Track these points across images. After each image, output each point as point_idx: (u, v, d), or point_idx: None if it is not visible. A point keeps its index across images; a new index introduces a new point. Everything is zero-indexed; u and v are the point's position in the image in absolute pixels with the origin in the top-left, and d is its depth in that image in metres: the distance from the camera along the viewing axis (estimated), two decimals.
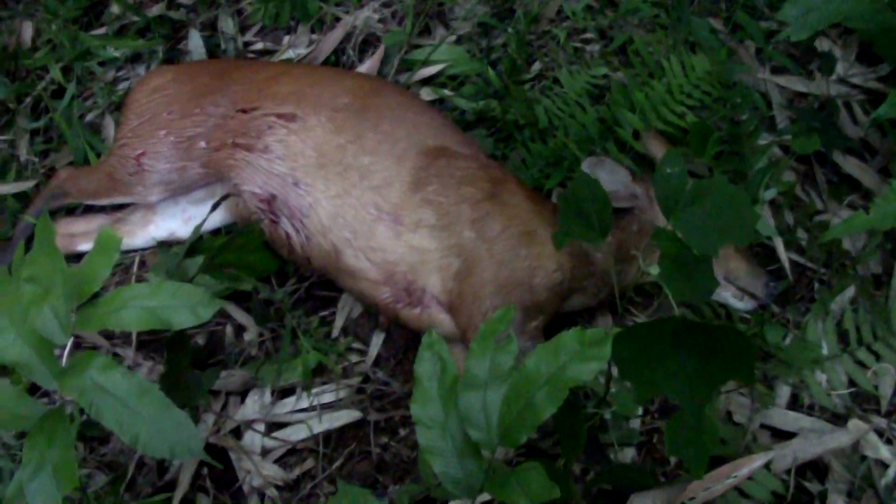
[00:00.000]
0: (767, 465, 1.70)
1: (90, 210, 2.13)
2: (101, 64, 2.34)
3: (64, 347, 1.32)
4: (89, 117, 2.26)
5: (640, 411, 1.54)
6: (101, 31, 2.40)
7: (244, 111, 1.94)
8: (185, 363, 1.65)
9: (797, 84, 2.24)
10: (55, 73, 2.31)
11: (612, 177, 1.86)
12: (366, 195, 1.84)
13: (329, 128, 1.88)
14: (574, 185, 1.30)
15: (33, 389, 1.83)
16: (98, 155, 2.21)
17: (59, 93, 2.31)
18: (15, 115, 2.26)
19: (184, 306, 1.26)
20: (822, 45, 2.31)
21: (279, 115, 1.91)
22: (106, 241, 1.30)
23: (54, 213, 2.11)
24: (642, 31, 2.28)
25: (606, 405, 1.48)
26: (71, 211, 2.14)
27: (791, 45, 2.31)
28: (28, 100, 2.30)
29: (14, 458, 1.74)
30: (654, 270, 1.16)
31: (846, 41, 2.31)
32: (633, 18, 2.28)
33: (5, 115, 2.28)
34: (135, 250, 2.08)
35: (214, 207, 1.90)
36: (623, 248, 1.86)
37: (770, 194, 1.93)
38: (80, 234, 2.07)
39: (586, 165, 1.86)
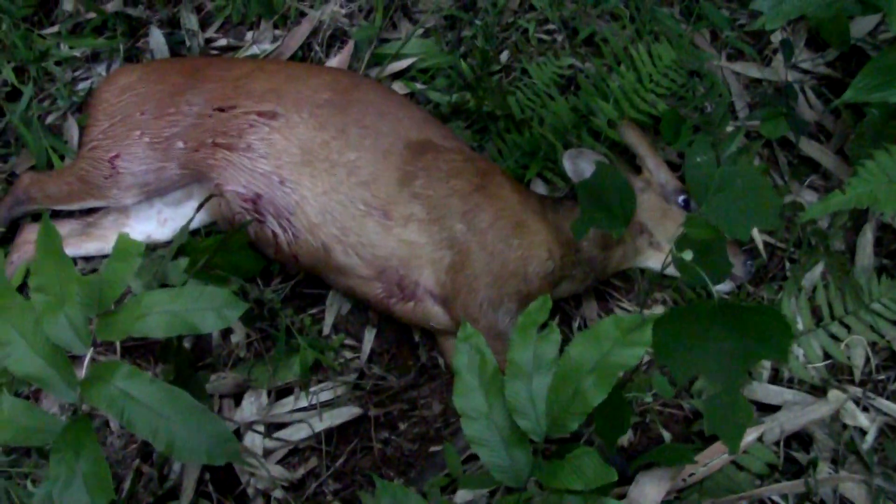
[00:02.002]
0: (760, 439, 1.78)
1: (57, 215, 2.06)
2: (58, 63, 2.26)
3: (80, 357, 1.28)
4: (50, 119, 2.18)
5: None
6: (54, 29, 2.31)
7: (221, 110, 1.91)
8: (185, 366, 1.62)
9: (752, 70, 2.32)
10: (8, 73, 2.21)
11: (593, 167, 1.89)
12: (354, 191, 1.83)
13: (312, 124, 1.87)
14: (595, 174, 1.33)
15: None
16: (62, 158, 2.13)
17: (13, 94, 2.22)
18: None
19: (209, 309, 1.24)
20: (776, 33, 2.40)
21: (260, 114, 1.89)
22: (125, 246, 1.27)
23: (19, 220, 2.03)
24: (602, 23, 2.33)
25: (639, 389, 1.52)
26: (36, 217, 2.06)
27: (743, 33, 2.40)
28: None
29: (4, 474, 1.68)
30: (689, 256, 1.20)
31: (795, 28, 2.40)
32: (595, 10, 2.32)
33: None
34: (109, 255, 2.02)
35: (199, 208, 1.86)
36: (606, 236, 1.91)
37: None
38: None
39: (567, 157, 1.90)
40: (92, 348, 1.25)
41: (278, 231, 1.87)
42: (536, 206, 1.89)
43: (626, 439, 1.81)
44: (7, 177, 2.13)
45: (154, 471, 1.70)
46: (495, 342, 1.76)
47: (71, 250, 2.00)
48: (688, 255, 1.19)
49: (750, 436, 1.75)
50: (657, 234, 1.93)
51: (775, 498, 1.71)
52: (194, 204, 1.98)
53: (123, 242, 1.28)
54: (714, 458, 1.72)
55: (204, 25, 2.34)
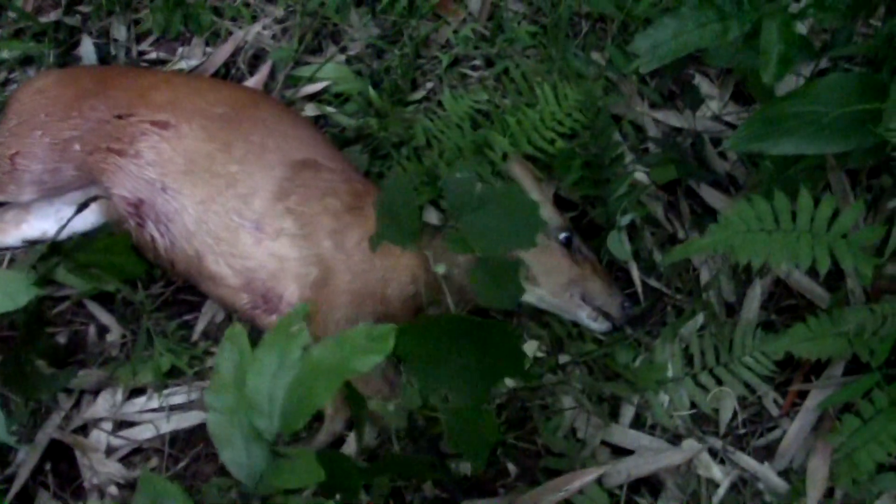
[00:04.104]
0: (600, 480, 1.75)
1: None
2: None
3: None
4: None
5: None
6: None
7: (120, 117, 1.97)
8: (31, 357, 1.66)
9: (672, 119, 2.33)
10: None
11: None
12: (230, 202, 1.88)
13: (200, 136, 1.92)
14: (388, 190, 1.35)
15: None
16: None
17: None
18: None
19: (1, 293, 1.28)
20: (703, 84, 2.41)
21: (153, 123, 1.95)
22: None
23: None
24: (529, 60, 2.36)
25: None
26: None
27: (671, 82, 2.41)
28: None
29: None
30: (441, 269, 1.21)
31: (724, 80, 2.41)
32: (517, 47, 2.36)
33: None
34: (7, 248, 2.09)
35: (80, 208, 1.92)
36: None
37: (626, 220, 2.00)
38: None
39: (449, 184, 1.92)
40: None
41: (157, 236, 1.92)
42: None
43: (469, 468, 1.80)
44: None
45: None
46: (378, 387, 1.79)
47: None
48: (441, 269, 1.21)
49: (588, 477, 1.72)
50: (533, 270, 1.94)
51: None
52: (93, 206, 2.04)
53: None
54: (549, 495, 1.71)
55: (140, 39, 2.43)
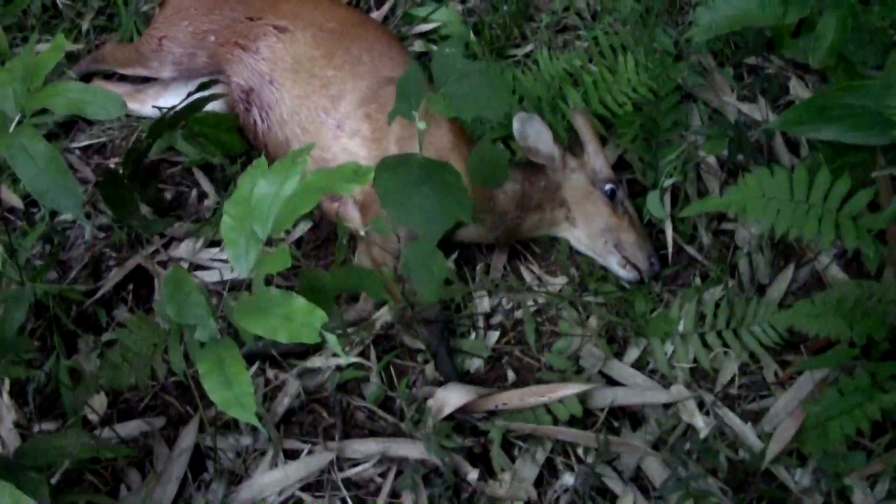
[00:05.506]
0: (584, 399, 1.91)
1: (123, 79, 2.55)
2: None
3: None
4: (145, 7, 2.70)
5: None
6: None
7: (251, 19, 2.32)
8: (130, 185, 2.02)
9: (756, 113, 2.43)
10: None
11: (537, 136, 2.11)
12: (321, 101, 2.17)
13: (310, 43, 2.23)
14: (405, 76, 1.59)
15: None
16: None
17: None
18: None
19: (99, 102, 1.61)
20: (797, 87, 2.49)
21: (275, 27, 2.28)
22: (56, 43, 1.67)
23: (93, 75, 2.55)
24: (619, 36, 2.52)
25: None
26: (109, 77, 2.57)
27: (763, 80, 2.50)
28: None
29: None
30: (422, 125, 1.44)
31: (817, 86, 2.48)
32: (617, 17, 2.53)
33: None
34: (145, 117, 2.48)
35: (202, 87, 2.26)
36: (526, 197, 2.12)
37: (669, 182, 2.14)
38: None
39: (517, 119, 2.11)
40: (20, 113, 1.64)
41: (258, 120, 2.25)
42: (466, 151, 2.12)
43: (474, 367, 2.01)
44: (99, 42, 2.66)
45: (89, 270, 2.12)
46: (384, 254, 2.05)
47: None
48: (422, 126, 1.43)
49: (572, 390, 1.88)
50: (574, 211, 2.12)
51: (578, 448, 1.85)
52: (219, 89, 2.39)
53: (56, 42, 1.68)
54: (531, 397, 1.89)
55: None
